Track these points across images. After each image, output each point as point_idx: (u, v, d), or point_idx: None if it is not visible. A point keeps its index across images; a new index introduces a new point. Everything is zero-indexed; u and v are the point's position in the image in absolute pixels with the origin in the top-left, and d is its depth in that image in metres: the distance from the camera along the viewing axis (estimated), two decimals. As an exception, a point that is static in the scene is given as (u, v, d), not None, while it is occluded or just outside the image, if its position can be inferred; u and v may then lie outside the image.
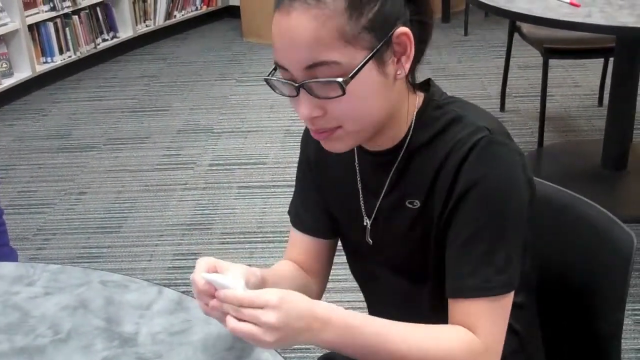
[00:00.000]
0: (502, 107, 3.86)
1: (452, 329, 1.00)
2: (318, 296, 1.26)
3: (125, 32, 5.15)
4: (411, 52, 1.00)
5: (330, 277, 1.29)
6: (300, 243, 1.25)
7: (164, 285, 1.24)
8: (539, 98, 3.25)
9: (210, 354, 1.07)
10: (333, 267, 1.28)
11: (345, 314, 0.96)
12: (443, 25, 5.34)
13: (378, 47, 0.97)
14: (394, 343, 0.97)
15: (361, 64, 0.96)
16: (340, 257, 1.29)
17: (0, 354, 1.10)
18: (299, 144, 1.27)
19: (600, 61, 3.79)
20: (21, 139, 3.94)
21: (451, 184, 1.01)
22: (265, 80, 1.02)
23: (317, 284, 1.26)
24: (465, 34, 5.17)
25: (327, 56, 0.95)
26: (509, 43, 3.62)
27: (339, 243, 1.27)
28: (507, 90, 3.87)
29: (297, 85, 0.97)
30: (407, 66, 1.01)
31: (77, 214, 3.17)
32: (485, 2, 2.62)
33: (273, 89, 1.03)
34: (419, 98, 1.08)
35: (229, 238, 2.87)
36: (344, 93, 0.95)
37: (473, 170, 1.00)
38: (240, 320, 0.92)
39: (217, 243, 2.86)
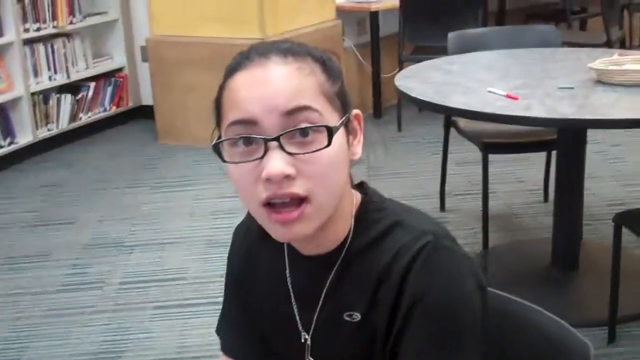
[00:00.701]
0: (442, 207, 3.93)
1: None
2: None
3: (24, 137, 5.10)
4: (360, 137, 1.05)
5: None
6: None
7: None
8: (481, 196, 3.33)
9: None
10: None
11: None
12: (375, 121, 5.49)
13: (347, 115, 1.02)
14: None
15: (341, 121, 1.00)
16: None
17: None
18: (224, 255, 1.26)
19: (542, 155, 3.93)
20: None
21: (396, 295, 1.01)
22: (215, 145, 0.99)
23: None
24: (399, 129, 5.31)
25: (311, 102, 0.98)
26: (445, 138, 3.73)
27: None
28: (447, 188, 3.95)
29: (271, 138, 0.96)
30: (359, 150, 1.05)
31: (-34, 346, 3.03)
32: (419, 97, 2.70)
33: (221, 157, 1.00)
34: (356, 198, 1.09)
35: (144, 366, 2.78)
36: (329, 144, 0.96)
37: (419, 281, 1.00)
38: None
39: (130, 373, 2.76)
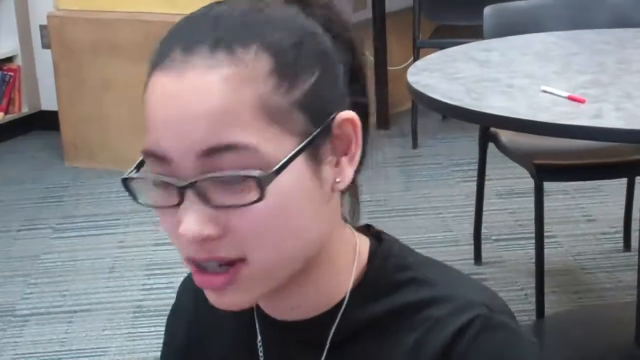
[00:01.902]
0: (477, 258, 3.93)
1: None
2: None
3: None
4: (357, 149, 1.03)
5: None
6: None
7: None
8: (533, 242, 3.34)
9: None
10: None
11: None
12: (380, 134, 5.49)
13: (315, 133, 0.99)
14: None
15: (291, 154, 0.97)
16: None
17: None
18: (160, 328, 1.27)
19: (622, 182, 3.94)
20: None
21: None
22: (125, 180, 1.00)
23: None
24: (414, 146, 5.33)
25: (237, 137, 0.95)
26: (481, 159, 3.71)
27: None
28: (483, 231, 3.94)
29: (184, 185, 0.96)
30: (350, 173, 1.03)
31: None
32: (442, 99, 2.69)
33: (134, 197, 1.01)
34: (361, 241, 1.09)
35: None
36: (261, 198, 0.95)
37: None
38: None
39: None
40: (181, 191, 0.96)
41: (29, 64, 5.87)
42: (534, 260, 3.36)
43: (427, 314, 1.03)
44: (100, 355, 3.46)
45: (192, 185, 0.95)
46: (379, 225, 1.16)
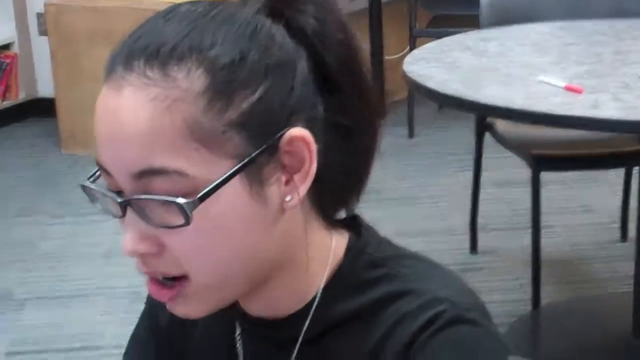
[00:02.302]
0: (473, 247, 3.94)
1: None
2: None
3: None
4: (311, 167, 1.00)
5: None
6: None
7: None
8: (530, 232, 3.34)
9: None
10: None
11: None
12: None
13: (252, 155, 0.97)
14: None
15: (220, 179, 0.95)
16: None
17: None
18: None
19: (619, 173, 3.93)
20: None
21: None
22: (83, 186, 1.02)
23: None
24: (411, 135, 5.35)
25: (166, 162, 0.94)
26: (477, 149, 3.72)
27: None
28: (479, 220, 3.94)
29: (121, 201, 0.97)
30: (303, 190, 1.00)
31: None
32: (439, 89, 2.70)
33: (92, 203, 1.03)
34: (339, 243, 1.09)
35: None
36: (187, 223, 0.95)
37: None
38: None
39: None
40: (121, 206, 0.98)
41: (26, 51, 5.86)
42: (530, 251, 3.36)
43: (396, 309, 1.03)
44: (96, 339, 3.47)
45: (128, 202, 0.97)
46: (371, 214, 1.16)
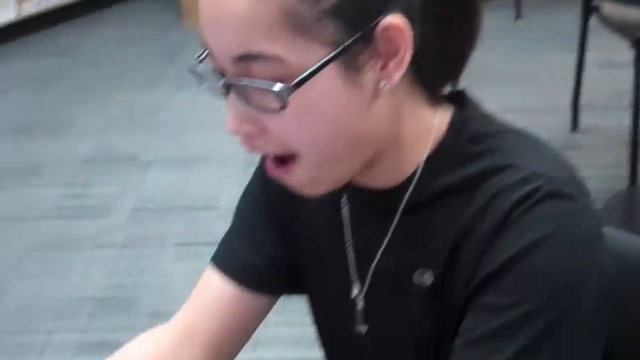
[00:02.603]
0: (574, 126, 3.90)
1: None
2: None
3: (5, 12, 5.16)
4: (406, 54, 0.97)
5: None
6: (219, 294, 1.23)
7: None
8: (630, 112, 3.29)
9: None
10: None
11: None
12: (482, 4, 5.39)
13: (347, 43, 0.94)
14: None
15: (316, 66, 0.94)
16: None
17: None
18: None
19: None
20: None
21: (483, 252, 1.00)
22: (191, 67, 1.02)
23: None
24: (518, 16, 5.23)
25: (263, 47, 0.93)
26: (582, 30, 3.66)
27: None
28: (582, 100, 3.90)
29: (223, 83, 0.97)
30: (397, 76, 0.98)
31: None
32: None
33: (199, 83, 1.03)
34: (442, 118, 1.07)
35: (161, 320, 2.85)
36: (283, 107, 0.94)
37: (520, 235, 0.98)
38: None
39: (143, 327, 2.83)
40: (224, 87, 0.98)
41: None
42: (629, 129, 3.32)
43: (495, 183, 1.01)
44: (213, 201, 3.53)
45: (229, 85, 0.97)
46: (478, 92, 1.13)
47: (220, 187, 3.63)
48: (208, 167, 3.80)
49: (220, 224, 3.28)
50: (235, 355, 1.26)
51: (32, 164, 3.92)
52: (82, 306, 2.98)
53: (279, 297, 1.25)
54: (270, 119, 0.96)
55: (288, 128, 0.97)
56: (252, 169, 1.25)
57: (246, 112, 0.98)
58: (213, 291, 1.23)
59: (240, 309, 1.23)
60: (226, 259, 1.24)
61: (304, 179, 1.02)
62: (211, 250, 3.08)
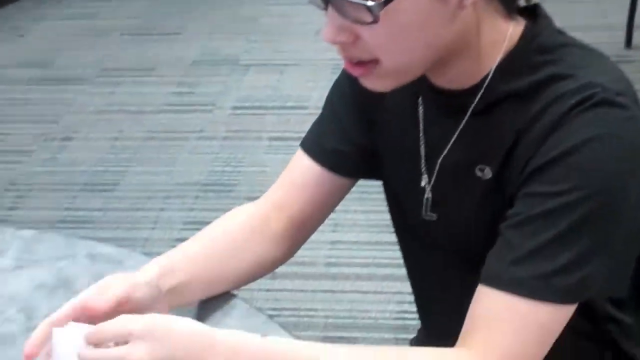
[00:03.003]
0: (628, 43, 3.79)
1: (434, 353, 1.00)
2: (280, 263, 1.27)
3: None
4: None
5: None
6: (306, 175, 1.24)
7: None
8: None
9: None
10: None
11: (258, 341, 0.96)
12: None
13: None
14: None
15: None
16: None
17: (-42, 341, 1.13)
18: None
19: None
20: (-10, 66, 4.01)
21: (537, 148, 0.99)
22: None
23: (293, 242, 1.26)
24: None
25: None
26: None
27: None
28: (637, 19, 3.77)
29: None
30: None
31: (60, 165, 3.22)
32: None
33: None
34: (515, 29, 1.05)
35: (255, 203, 2.89)
36: (375, 21, 0.94)
37: (572, 133, 0.97)
38: None
39: (240, 209, 2.89)
40: (324, 1, 0.97)
41: None
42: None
43: (555, 89, 1.00)
44: (304, 101, 3.53)
45: (328, 0, 0.97)
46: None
47: (309, 89, 3.62)
48: (299, 71, 3.79)
49: (309, 121, 3.30)
50: (314, 230, 1.28)
51: (149, 64, 3.95)
52: (189, 189, 3.03)
53: (357, 180, 1.26)
54: (363, 30, 0.97)
55: (378, 38, 0.97)
56: (339, 71, 1.25)
57: (342, 23, 0.97)
58: (301, 172, 1.24)
59: (323, 188, 1.24)
60: (314, 145, 1.25)
61: (379, 80, 1.03)
62: (301, 144, 2.98)
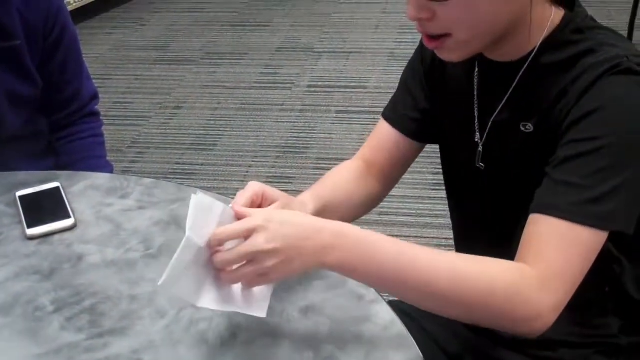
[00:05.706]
0: (629, 40, 3.66)
1: (498, 260, 0.96)
2: (380, 200, 1.28)
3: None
4: None
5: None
6: (387, 139, 1.25)
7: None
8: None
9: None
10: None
11: (357, 228, 0.94)
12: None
13: None
14: (421, 265, 0.92)
15: None
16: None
17: (91, 265, 1.16)
18: (403, 68, 1.27)
19: None
20: (118, 49, 4.06)
21: (572, 107, 0.99)
22: None
23: (382, 189, 1.27)
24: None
25: None
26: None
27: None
28: (637, 20, 3.64)
29: None
30: None
31: (171, 128, 3.26)
32: None
33: None
34: (556, 14, 1.04)
35: (324, 163, 2.90)
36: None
37: (602, 93, 0.96)
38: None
39: (311, 168, 2.90)
40: None
41: None
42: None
43: (588, 60, 1.00)
44: (364, 82, 3.50)
45: None
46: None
47: (369, 72, 3.59)
48: (361, 57, 3.76)
49: (368, 99, 3.29)
50: (395, 184, 1.30)
51: (242, 49, 3.96)
52: (271, 151, 3.05)
53: (424, 145, 1.27)
54: (440, 8, 0.97)
55: (452, 15, 0.97)
56: (394, 61, 1.25)
57: (422, 3, 0.98)
58: (383, 137, 1.26)
59: (401, 150, 1.25)
60: (392, 114, 1.26)
61: (451, 52, 1.03)
62: (361, 117, 3.06)
